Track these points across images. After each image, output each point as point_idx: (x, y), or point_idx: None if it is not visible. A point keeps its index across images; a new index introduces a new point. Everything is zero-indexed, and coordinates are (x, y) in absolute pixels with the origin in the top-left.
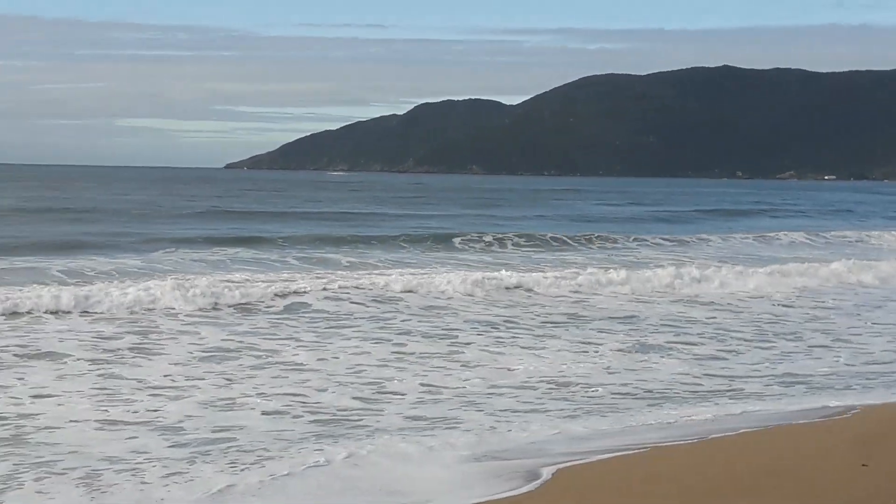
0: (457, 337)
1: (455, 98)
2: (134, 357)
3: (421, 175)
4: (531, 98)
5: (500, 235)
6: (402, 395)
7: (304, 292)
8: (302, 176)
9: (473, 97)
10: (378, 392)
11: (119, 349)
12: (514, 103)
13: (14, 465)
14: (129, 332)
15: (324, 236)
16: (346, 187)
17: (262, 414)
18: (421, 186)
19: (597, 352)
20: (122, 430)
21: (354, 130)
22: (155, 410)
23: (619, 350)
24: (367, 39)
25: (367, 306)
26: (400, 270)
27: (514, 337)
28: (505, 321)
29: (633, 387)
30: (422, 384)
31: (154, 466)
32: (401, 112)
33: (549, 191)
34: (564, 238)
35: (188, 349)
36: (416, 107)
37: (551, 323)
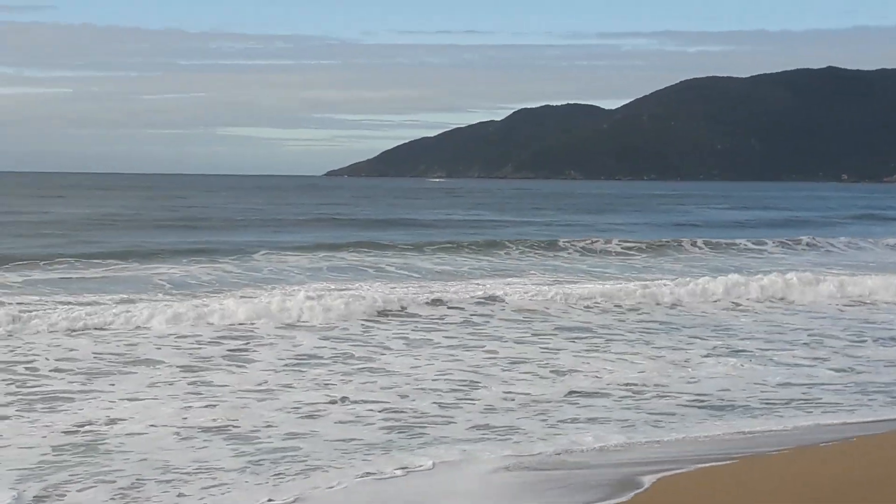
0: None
1: (553, 103)
2: (228, 364)
3: (520, 181)
4: (630, 102)
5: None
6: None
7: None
8: (404, 183)
9: (571, 102)
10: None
11: (212, 356)
12: (613, 107)
13: (72, 473)
14: (227, 338)
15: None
16: (451, 194)
17: (336, 422)
18: (530, 192)
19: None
20: (194, 438)
21: (452, 137)
22: (234, 419)
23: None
24: (465, 45)
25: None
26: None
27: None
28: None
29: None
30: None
31: (201, 477)
32: (499, 118)
33: (665, 196)
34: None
35: (280, 354)
36: (514, 112)
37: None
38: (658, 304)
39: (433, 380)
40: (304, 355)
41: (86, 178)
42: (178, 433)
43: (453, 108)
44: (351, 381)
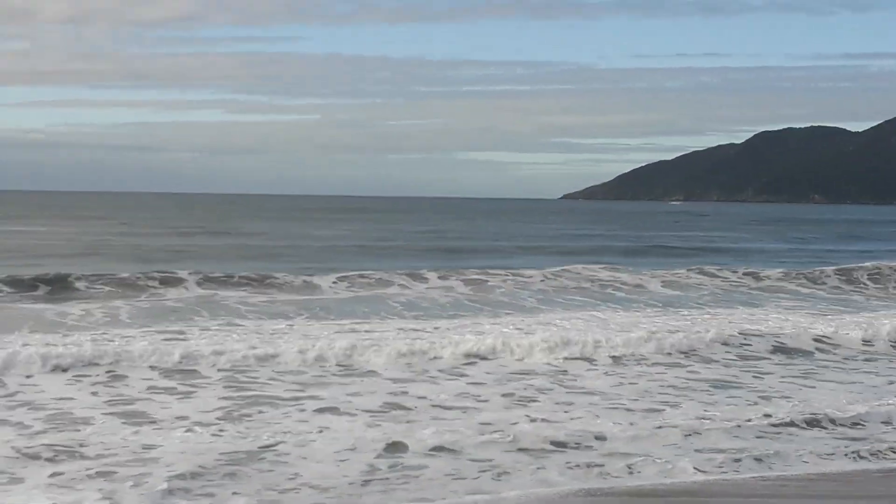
0: None
1: (795, 125)
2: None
3: (761, 205)
4: (878, 124)
5: None
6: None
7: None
8: (643, 206)
9: (815, 124)
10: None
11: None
12: (859, 130)
13: (214, 488)
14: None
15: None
16: (708, 219)
17: (480, 443)
18: (787, 216)
19: None
20: (360, 453)
21: (690, 160)
22: (412, 434)
23: None
24: (703, 68)
25: None
26: None
27: None
28: None
29: None
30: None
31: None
32: (738, 141)
33: None
34: None
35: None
36: (754, 135)
37: None
38: None
39: None
40: None
41: (331, 200)
42: None
43: (691, 132)
44: None
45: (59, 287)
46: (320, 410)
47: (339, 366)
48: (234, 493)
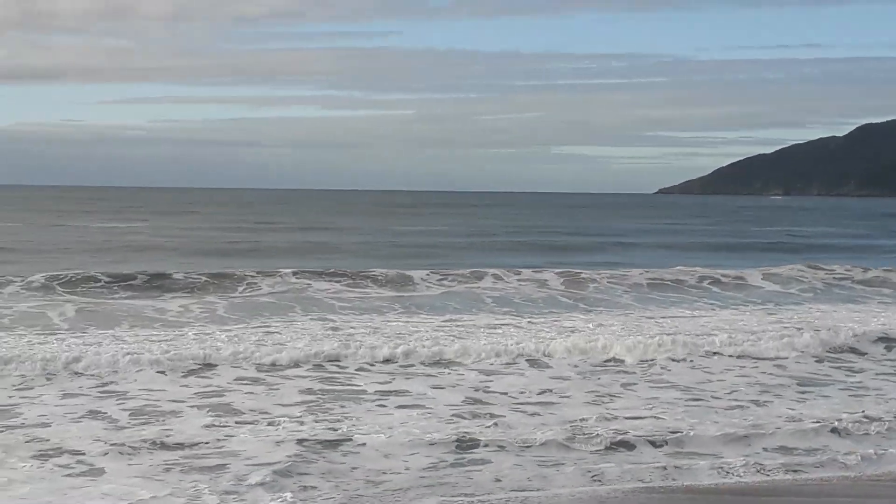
0: None
1: None
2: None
3: (864, 199)
4: None
5: None
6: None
7: None
8: (743, 201)
9: None
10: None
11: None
12: None
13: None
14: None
15: None
16: (811, 214)
17: (549, 439)
18: None
19: None
20: (427, 447)
21: (790, 153)
22: (512, 428)
23: None
24: (804, 59)
25: None
26: None
27: None
28: None
29: None
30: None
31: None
32: (840, 133)
33: None
34: None
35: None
36: (856, 128)
37: None
38: None
39: None
40: None
41: (425, 196)
42: None
43: (791, 124)
44: None
45: (157, 282)
46: (402, 406)
47: (427, 363)
48: (302, 486)
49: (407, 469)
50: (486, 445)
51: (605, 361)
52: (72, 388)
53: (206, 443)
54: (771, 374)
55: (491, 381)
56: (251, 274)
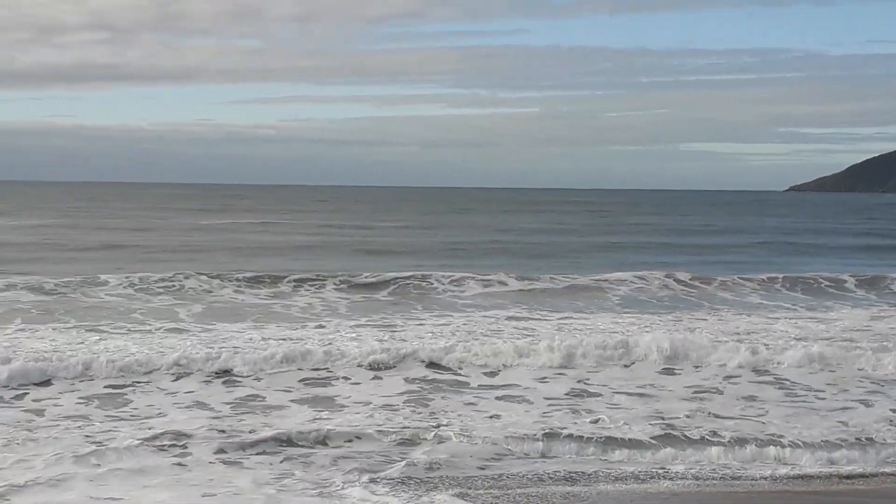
0: None
1: None
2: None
3: None
4: None
5: None
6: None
7: None
8: (880, 199)
9: None
10: None
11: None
12: None
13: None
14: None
15: None
16: None
17: (634, 435)
18: None
19: None
20: (513, 440)
21: None
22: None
23: None
24: None
25: None
26: None
27: None
28: None
29: None
30: None
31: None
32: None
33: None
34: None
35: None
36: None
37: None
38: None
39: None
40: None
41: (551, 193)
42: None
43: None
44: None
45: (280, 280)
46: (501, 398)
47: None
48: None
49: (483, 461)
50: (572, 438)
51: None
52: None
53: (295, 431)
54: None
55: (593, 376)
56: (371, 272)
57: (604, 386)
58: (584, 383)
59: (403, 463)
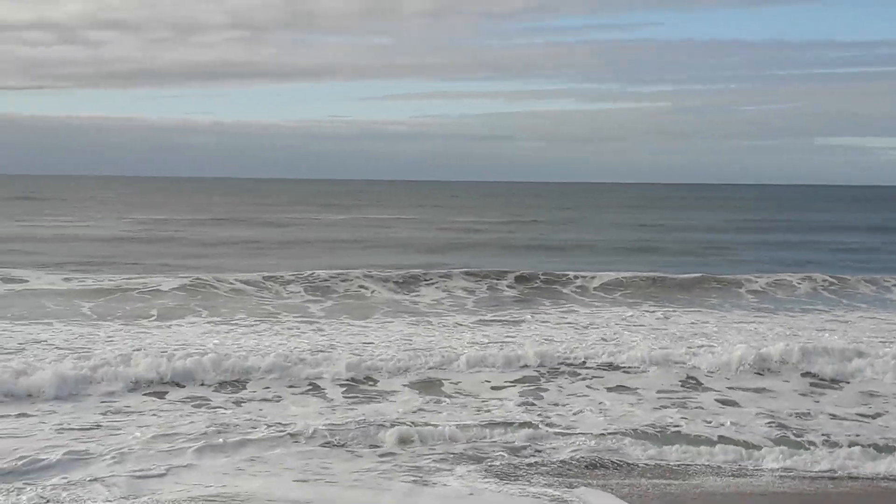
0: None
1: None
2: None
3: None
4: None
5: None
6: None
7: None
8: None
9: None
10: None
11: None
12: None
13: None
14: None
15: None
16: None
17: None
18: None
19: None
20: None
21: None
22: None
23: None
24: None
25: None
26: None
27: None
28: None
29: None
30: None
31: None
32: None
33: None
34: None
35: None
36: None
37: None
38: None
39: None
40: None
41: (684, 189)
42: None
43: None
44: None
45: (411, 276)
46: (612, 388)
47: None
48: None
49: (575, 452)
50: (689, 436)
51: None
52: None
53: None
54: None
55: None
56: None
57: None
58: None
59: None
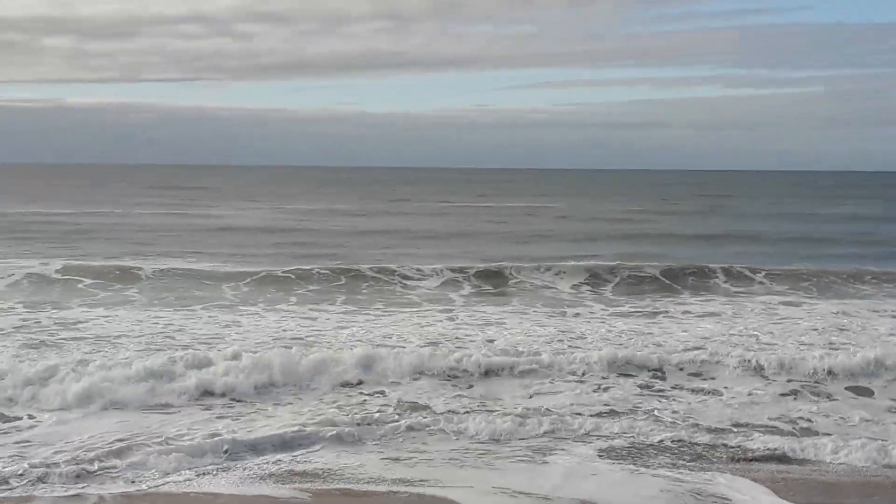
0: None
1: None
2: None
3: None
4: None
5: None
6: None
7: None
8: None
9: None
10: None
11: None
12: None
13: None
14: None
15: None
16: None
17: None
18: None
19: None
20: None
21: None
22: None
23: None
24: None
25: None
26: None
27: None
28: None
29: None
30: None
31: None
32: None
33: None
34: None
35: None
36: None
37: None
38: None
39: None
40: None
41: (834, 177)
42: None
43: None
44: None
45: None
46: (686, 387)
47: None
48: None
49: (630, 443)
50: (742, 430)
51: None
52: None
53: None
54: None
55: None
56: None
57: None
58: None
59: None
